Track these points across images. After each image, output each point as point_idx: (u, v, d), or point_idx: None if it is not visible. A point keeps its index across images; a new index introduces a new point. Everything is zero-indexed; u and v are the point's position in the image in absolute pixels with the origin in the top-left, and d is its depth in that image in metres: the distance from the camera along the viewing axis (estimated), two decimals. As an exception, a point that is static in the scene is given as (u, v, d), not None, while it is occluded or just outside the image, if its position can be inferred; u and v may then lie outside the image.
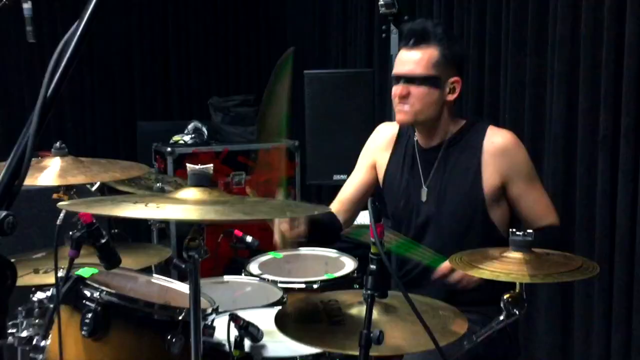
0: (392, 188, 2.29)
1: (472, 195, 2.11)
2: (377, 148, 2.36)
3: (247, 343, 1.82)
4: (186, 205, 1.42)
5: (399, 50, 2.19)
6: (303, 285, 2.34)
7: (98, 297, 1.68)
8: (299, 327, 1.65)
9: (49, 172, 1.91)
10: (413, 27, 2.14)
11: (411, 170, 2.22)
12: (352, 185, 2.41)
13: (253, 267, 2.52)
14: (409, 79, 2.09)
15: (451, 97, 2.12)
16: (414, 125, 2.19)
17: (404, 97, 2.10)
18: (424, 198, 2.17)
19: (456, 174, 2.14)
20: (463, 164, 2.13)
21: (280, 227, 2.19)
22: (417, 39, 2.10)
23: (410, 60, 2.10)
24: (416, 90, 2.09)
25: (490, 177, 2.10)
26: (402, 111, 2.12)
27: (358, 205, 2.40)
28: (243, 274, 2.48)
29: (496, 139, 2.12)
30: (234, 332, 1.80)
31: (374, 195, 2.43)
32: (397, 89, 2.12)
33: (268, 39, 5.58)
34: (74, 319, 1.70)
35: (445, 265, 1.98)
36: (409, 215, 2.22)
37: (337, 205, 2.40)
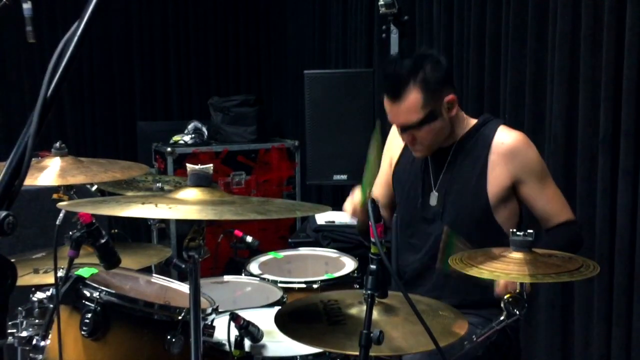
0: (400, 186, 2.30)
1: (476, 194, 2.10)
2: (393, 145, 2.37)
3: (247, 343, 1.82)
4: (198, 205, 1.42)
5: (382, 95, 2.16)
6: (303, 285, 2.34)
7: (98, 297, 1.68)
8: (299, 326, 1.65)
9: (49, 172, 1.91)
10: (386, 80, 2.13)
11: (423, 173, 2.22)
12: (379, 185, 2.38)
13: (253, 267, 2.52)
14: (408, 127, 2.11)
15: (452, 114, 2.13)
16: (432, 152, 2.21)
17: (413, 141, 2.14)
18: (433, 202, 2.17)
19: (463, 173, 2.14)
20: (470, 163, 2.13)
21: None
22: (394, 91, 2.08)
23: (400, 112, 2.10)
24: (420, 133, 2.11)
25: (497, 177, 2.09)
26: (417, 150, 2.18)
27: (390, 203, 2.37)
28: (243, 274, 2.49)
29: (505, 139, 2.11)
30: (234, 332, 1.80)
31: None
32: (402, 137, 2.18)
33: (268, 39, 5.58)
34: (74, 319, 1.70)
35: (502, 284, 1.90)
36: (418, 215, 2.21)
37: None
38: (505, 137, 2.12)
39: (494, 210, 2.10)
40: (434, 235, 2.15)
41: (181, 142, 4.55)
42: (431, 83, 2.07)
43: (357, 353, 1.41)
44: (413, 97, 2.06)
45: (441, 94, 2.09)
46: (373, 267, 1.50)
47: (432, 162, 2.21)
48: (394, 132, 2.38)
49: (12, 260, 0.85)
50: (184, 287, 1.99)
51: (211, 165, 1.52)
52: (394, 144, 2.36)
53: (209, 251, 1.49)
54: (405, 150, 2.31)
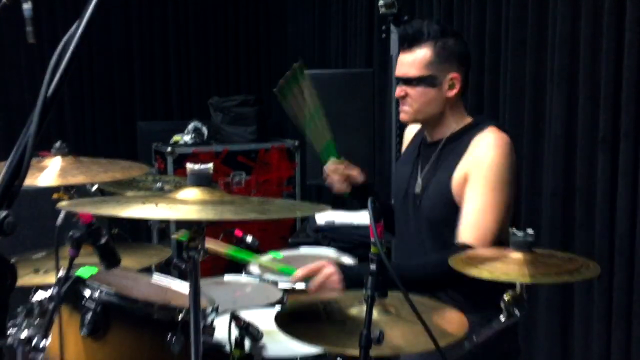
0: (396, 179, 2.34)
1: (443, 191, 2.08)
2: (405, 141, 2.41)
3: (247, 343, 1.82)
4: (198, 205, 1.42)
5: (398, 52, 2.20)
6: (303, 285, 2.34)
7: (98, 297, 1.68)
8: (299, 326, 1.65)
9: (49, 172, 1.91)
10: (406, 30, 2.15)
11: (414, 164, 2.24)
12: None
13: (253, 267, 2.52)
14: (406, 81, 2.12)
15: (451, 94, 2.11)
16: (415, 123, 2.24)
17: (403, 98, 2.14)
18: (417, 190, 2.18)
19: (442, 169, 2.13)
20: (450, 160, 2.12)
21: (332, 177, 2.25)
22: (410, 41, 2.11)
23: (405, 62, 2.12)
24: (413, 91, 2.11)
25: (459, 172, 2.05)
26: (403, 111, 2.17)
27: None
28: (243, 274, 2.49)
29: (481, 137, 2.07)
30: (234, 332, 1.80)
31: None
32: (397, 90, 2.17)
33: (268, 39, 5.59)
34: (74, 319, 1.70)
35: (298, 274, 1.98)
36: (406, 207, 2.22)
37: None
38: (483, 135, 2.07)
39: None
40: (418, 229, 2.15)
41: (181, 142, 4.55)
42: (447, 50, 2.09)
43: (357, 353, 1.41)
44: (423, 52, 2.09)
45: (450, 66, 2.10)
46: (373, 267, 1.50)
47: (422, 154, 2.23)
48: (405, 131, 2.42)
49: (12, 260, 0.85)
50: (184, 287, 1.98)
51: (211, 164, 1.52)
52: (405, 143, 2.40)
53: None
54: (407, 149, 2.35)
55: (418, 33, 2.10)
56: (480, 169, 2.00)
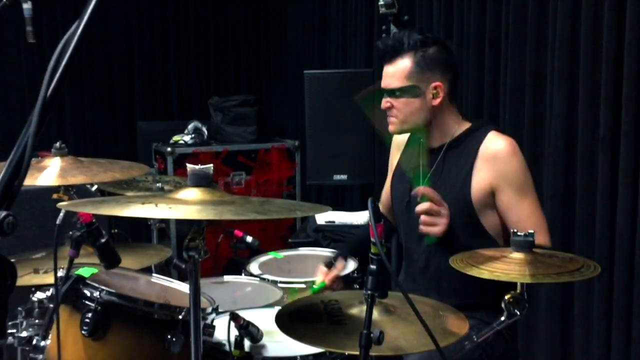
0: (396, 188, 2.31)
1: (460, 198, 2.09)
2: (394, 150, 2.40)
3: (247, 343, 1.82)
4: (198, 205, 1.42)
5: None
6: (303, 285, 2.34)
7: (98, 296, 1.68)
8: (300, 326, 1.65)
9: (49, 172, 1.91)
10: (386, 42, 2.18)
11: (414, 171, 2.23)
12: (385, 191, 2.43)
13: (253, 267, 2.52)
14: (389, 92, 2.15)
15: (435, 102, 2.12)
16: (403, 132, 2.25)
17: (389, 109, 2.16)
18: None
19: (450, 176, 2.14)
20: (457, 167, 2.13)
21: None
22: (391, 53, 2.14)
23: (387, 74, 2.15)
24: (397, 102, 2.13)
25: (479, 182, 2.08)
26: (390, 122, 2.20)
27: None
28: (243, 274, 2.49)
29: (491, 145, 2.10)
30: (234, 332, 1.80)
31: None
32: (382, 102, 2.19)
33: (268, 39, 5.59)
34: (74, 319, 1.70)
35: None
36: (410, 215, 2.21)
37: (382, 209, 2.41)
38: (492, 143, 2.10)
39: (480, 216, 2.09)
40: (425, 238, 2.15)
41: (181, 142, 4.55)
42: (427, 60, 2.10)
43: (358, 353, 1.41)
44: (403, 63, 2.11)
45: (432, 75, 2.10)
46: (373, 267, 1.50)
47: (423, 162, 2.21)
48: (395, 137, 2.40)
49: (12, 260, 0.85)
50: (184, 287, 1.99)
51: (211, 165, 1.52)
52: (396, 149, 2.38)
53: (209, 251, 1.49)
54: (402, 156, 2.33)
55: (398, 44, 2.12)
56: (511, 179, 2.07)
